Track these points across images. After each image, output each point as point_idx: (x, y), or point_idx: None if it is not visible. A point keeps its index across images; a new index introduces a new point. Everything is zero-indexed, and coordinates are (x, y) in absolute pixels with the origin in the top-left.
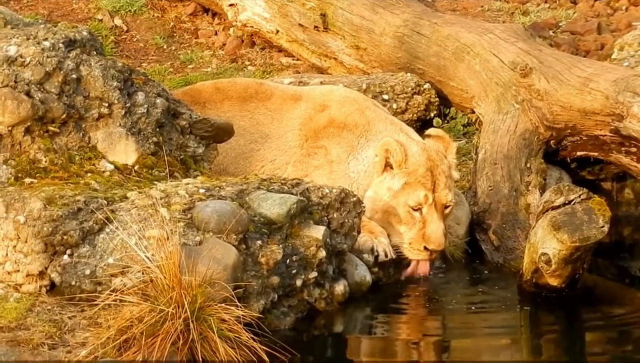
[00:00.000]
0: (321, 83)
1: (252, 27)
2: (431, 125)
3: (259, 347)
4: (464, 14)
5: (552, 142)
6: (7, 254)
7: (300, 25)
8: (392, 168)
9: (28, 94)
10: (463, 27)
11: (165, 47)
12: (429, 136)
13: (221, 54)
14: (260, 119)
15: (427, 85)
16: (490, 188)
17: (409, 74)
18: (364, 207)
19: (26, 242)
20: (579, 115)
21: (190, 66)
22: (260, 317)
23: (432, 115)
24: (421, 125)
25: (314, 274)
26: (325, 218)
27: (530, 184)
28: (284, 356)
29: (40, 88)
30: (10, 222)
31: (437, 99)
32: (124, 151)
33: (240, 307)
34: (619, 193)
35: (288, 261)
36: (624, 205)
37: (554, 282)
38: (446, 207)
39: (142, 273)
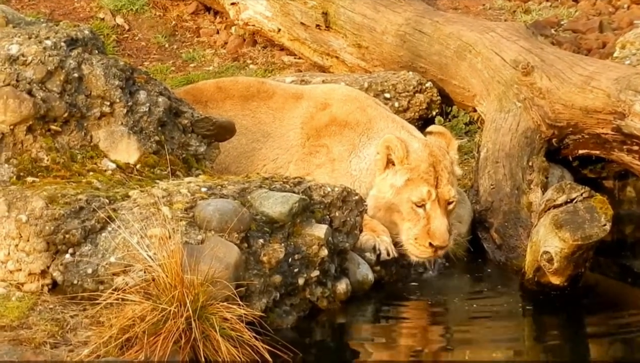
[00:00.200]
0: (323, 82)
1: (253, 25)
2: (433, 124)
3: (261, 346)
4: (466, 13)
5: (554, 140)
6: (9, 253)
7: (302, 23)
8: (394, 165)
9: (30, 92)
10: (465, 25)
11: (167, 45)
12: (430, 133)
13: (223, 52)
14: (262, 117)
15: (429, 84)
16: (492, 186)
17: (410, 73)
18: (366, 205)
19: (28, 240)
20: (580, 113)
21: (192, 65)
22: (262, 316)
23: (434, 113)
24: (423, 124)
25: (316, 273)
26: (327, 216)
27: (532, 183)
28: (287, 355)
29: (42, 87)
30: (12, 221)
31: (439, 98)
32: (125, 150)
33: (243, 306)
34: (621, 192)
35: (290, 260)
36: (626, 204)
37: (556, 280)
38: (449, 203)
39: (144, 272)
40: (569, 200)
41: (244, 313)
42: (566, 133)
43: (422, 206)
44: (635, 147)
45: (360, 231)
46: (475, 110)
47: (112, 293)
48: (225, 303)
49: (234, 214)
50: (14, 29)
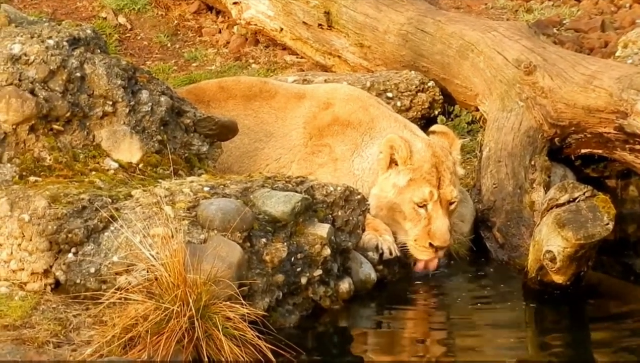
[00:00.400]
0: (325, 81)
1: (256, 25)
2: (435, 123)
3: (264, 345)
4: (468, 12)
5: (556, 139)
6: (11, 252)
7: (304, 23)
8: (397, 164)
9: (32, 92)
10: (467, 24)
11: (169, 45)
12: (433, 132)
13: (225, 52)
14: (265, 117)
15: (431, 83)
16: (494, 185)
17: (413, 72)
18: (368, 204)
19: (31, 240)
20: (583, 112)
21: (194, 64)
22: (265, 315)
23: (436, 113)
24: (425, 123)
25: (318, 272)
26: (330, 216)
27: (534, 182)
28: (289, 354)
29: (44, 86)
30: (14, 221)
31: (441, 97)
32: (128, 149)
33: (245, 305)
34: (624, 191)
35: (293, 259)
36: (629, 203)
37: (558, 279)
38: (451, 203)
39: (147, 272)
40: (571, 199)
41: (247, 313)
42: (568, 132)
43: (424, 206)
44: (638, 146)
45: (363, 230)
46: (477, 110)
47: (115, 293)
48: (228, 303)
49: (237, 213)
50: (16, 28)
